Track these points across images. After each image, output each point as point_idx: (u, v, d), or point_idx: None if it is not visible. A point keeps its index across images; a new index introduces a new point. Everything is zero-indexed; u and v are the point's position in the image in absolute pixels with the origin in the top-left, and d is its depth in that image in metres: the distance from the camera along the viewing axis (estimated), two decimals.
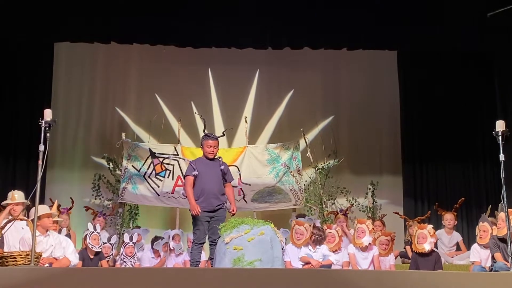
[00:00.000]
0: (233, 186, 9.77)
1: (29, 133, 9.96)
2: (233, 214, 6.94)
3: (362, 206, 10.76)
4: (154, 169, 10.08)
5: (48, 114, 5.95)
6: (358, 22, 9.98)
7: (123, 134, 10.39)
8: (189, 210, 6.94)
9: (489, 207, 8.95)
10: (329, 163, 10.78)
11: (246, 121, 10.57)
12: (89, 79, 11.40)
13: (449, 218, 9.16)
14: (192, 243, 7.04)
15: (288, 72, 11.51)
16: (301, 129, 10.54)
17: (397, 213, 10.08)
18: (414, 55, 10.98)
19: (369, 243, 7.93)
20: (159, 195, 10.02)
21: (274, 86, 11.60)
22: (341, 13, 9.94)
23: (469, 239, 9.75)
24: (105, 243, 8.39)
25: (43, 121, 5.91)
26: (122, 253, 8.46)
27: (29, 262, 5.63)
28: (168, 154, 10.15)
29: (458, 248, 9.13)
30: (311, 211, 10.35)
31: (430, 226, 7.92)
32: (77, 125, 11.22)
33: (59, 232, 7.91)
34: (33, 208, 6.38)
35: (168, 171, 10.08)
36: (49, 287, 4.56)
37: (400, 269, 8.07)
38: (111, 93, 11.44)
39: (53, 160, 10.50)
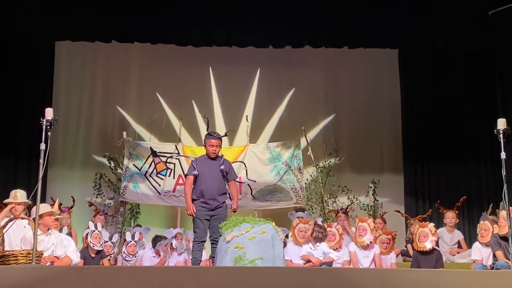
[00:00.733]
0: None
1: (30, 131, 9.97)
2: (234, 211, 6.93)
3: (363, 204, 10.77)
4: (155, 167, 10.08)
5: (49, 112, 5.94)
6: (359, 20, 9.99)
7: (124, 133, 10.39)
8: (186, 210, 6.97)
9: (491, 205, 8.95)
10: (330, 161, 10.78)
11: (247, 119, 10.57)
12: (90, 78, 11.41)
13: (450, 216, 9.15)
14: (193, 241, 7.04)
15: (289, 70, 11.52)
16: (302, 128, 10.53)
17: (399, 212, 10.08)
18: (415, 53, 10.98)
19: (370, 242, 7.93)
20: (160, 194, 10.03)
21: (275, 85, 11.60)
22: (342, 12, 9.94)
23: (470, 238, 9.74)
24: (107, 241, 8.39)
25: (44, 120, 5.90)
26: (123, 252, 8.46)
27: (30, 261, 5.63)
28: (170, 153, 10.15)
29: (460, 247, 9.12)
30: (312, 209, 10.35)
31: (431, 225, 7.93)
32: (78, 124, 11.24)
33: (60, 231, 7.92)
34: (34, 207, 6.40)
35: (169, 170, 10.08)
36: (51, 286, 4.56)
37: (401, 268, 8.06)
38: (112, 92, 11.45)
39: (54, 159, 10.51)
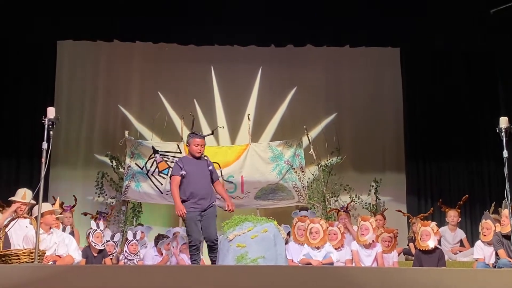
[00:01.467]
0: (232, 183, 9.91)
1: (32, 131, 9.96)
2: (231, 211, 6.84)
3: (365, 203, 10.76)
4: (157, 166, 10.10)
5: (51, 112, 5.95)
6: (360, 19, 9.99)
7: (126, 132, 10.40)
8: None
9: (493, 204, 8.94)
10: (332, 160, 10.77)
11: (249, 118, 10.56)
12: (92, 77, 11.41)
13: (452, 215, 9.14)
14: (189, 246, 6.90)
15: (291, 69, 11.51)
16: (304, 127, 10.52)
17: (400, 211, 10.07)
18: (417, 52, 10.96)
19: (373, 241, 7.92)
20: (162, 193, 10.03)
21: (277, 84, 11.59)
22: (344, 11, 9.94)
23: (472, 236, 9.73)
24: (109, 241, 8.40)
25: (46, 119, 5.91)
26: (125, 251, 8.46)
27: (32, 260, 5.64)
28: (172, 152, 10.15)
29: (462, 245, 9.11)
30: (314, 208, 10.35)
31: (433, 223, 7.92)
32: (80, 123, 11.24)
33: (63, 230, 7.93)
34: (36, 206, 6.40)
35: (171, 169, 10.06)
36: (53, 285, 4.56)
37: (403, 266, 8.05)
38: (114, 91, 11.45)
39: (56, 158, 10.51)
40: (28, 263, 5.67)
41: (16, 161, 10.43)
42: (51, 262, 6.80)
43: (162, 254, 8.50)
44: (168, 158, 10.14)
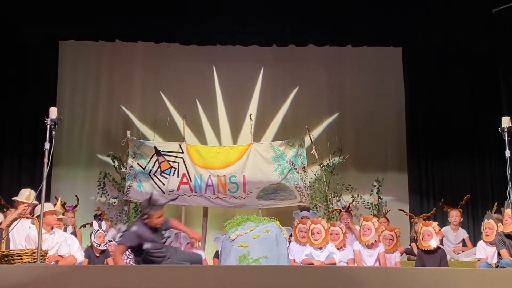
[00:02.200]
0: (234, 183, 9.89)
1: (35, 131, 9.99)
2: (199, 241, 6.53)
3: (368, 203, 10.75)
4: (159, 166, 10.10)
5: (53, 112, 5.96)
6: (362, 19, 9.99)
7: (128, 132, 10.40)
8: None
9: (495, 204, 8.92)
10: (334, 160, 10.77)
11: (251, 118, 10.56)
12: (94, 77, 11.42)
13: (454, 215, 9.13)
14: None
15: (293, 69, 11.50)
16: (306, 126, 10.51)
17: (402, 211, 10.07)
18: (419, 52, 10.95)
19: (375, 240, 7.91)
20: (164, 193, 10.02)
21: (278, 84, 11.59)
22: (346, 10, 9.94)
23: (475, 236, 9.73)
24: (111, 241, 8.40)
25: (49, 119, 5.92)
26: (127, 251, 8.45)
27: (35, 260, 5.64)
28: (174, 152, 10.16)
29: (464, 245, 9.10)
30: (316, 208, 10.35)
31: (434, 223, 7.91)
32: (82, 123, 11.25)
33: (65, 230, 7.93)
34: (37, 206, 6.40)
35: (173, 169, 10.09)
36: (55, 285, 4.57)
37: (406, 266, 8.05)
38: (116, 91, 11.45)
39: (59, 158, 10.52)
40: (30, 263, 5.68)
41: (19, 161, 10.45)
42: (53, 262, 6.80)
43: None
44: (170, 158, 10.15)
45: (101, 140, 11.23)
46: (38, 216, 6.04)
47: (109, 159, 10.72)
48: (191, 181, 10.05)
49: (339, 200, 10.64)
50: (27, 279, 4.55)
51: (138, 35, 10.28)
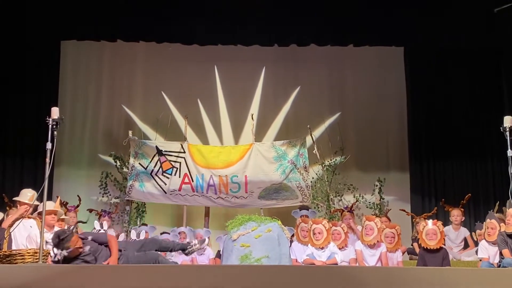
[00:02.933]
0: (236, 183, 9.89)
1: (37, 131, 9.99)
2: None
3: (369, 202, 10.74)
4: (161, 166, 10.10)
5: (55, 112, 5.97)
6: (364, 18, 9.98)
7: (130, 132, 10.41)
8: None
9: (497, 203, 8.92)
10: (336, 160, 10.76)
11: (252, 118, 10.56)
12: (95, 77, 11.43)
13: (456, 214, 9.13)
14: None
15: (294, 69, 11.50)
16: (308, 126, 10.51)
17: (404, 211, 10.05)
18: (421, 51, 10.94)
19: (377, 240, 7.90)
20: (166, 193, 10.04)
21: (280, 83, 11.58)
22: (347, 10, 9.94)
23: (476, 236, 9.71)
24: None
25: (50, 119, 5.93)
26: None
27: (37, 260, 5.65)
28: (176, 152, 10.16)
29: (466, 243, 9.09)
30: (318, 208, 10.35)
31: (439, 223, 7.88)
32: (84, 123, 11.25)
33: None
34: (40, 205, 6.40)
35: (175, 169, 10.09)
36: (57, 285, 4.57)
37: (408, 266, 8.04)
38: (118, 91, 11.46)
39: (60, 158, 10.53)
40: (32, 263, 5.68)
41: (20, 161, 10.46)
42: None
43: (165, 254, 8.48)
44: (172, 158, 10.15)
45: (102, 140, 11.24)
46: (39, 213, 6.03)
47: (111, 159, 10.72)
48: (192, 181, 10.06)
49: (341, 200, 10.64)
50: (29, 279, 4.56)
51: (140, 35, 10.28)
